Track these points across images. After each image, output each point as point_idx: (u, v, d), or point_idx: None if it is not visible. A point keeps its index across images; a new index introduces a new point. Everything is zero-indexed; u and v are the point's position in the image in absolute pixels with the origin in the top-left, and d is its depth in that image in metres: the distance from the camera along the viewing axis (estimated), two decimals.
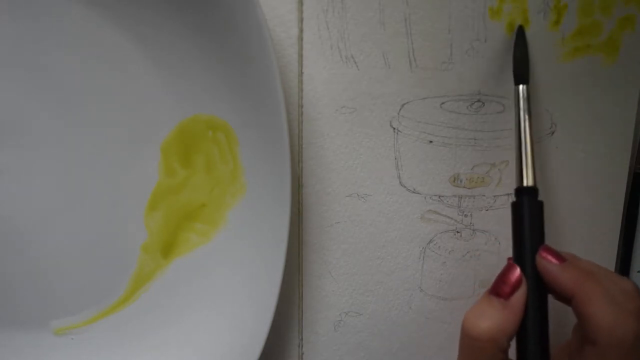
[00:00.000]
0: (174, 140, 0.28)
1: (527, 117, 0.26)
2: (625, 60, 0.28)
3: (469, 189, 0.30)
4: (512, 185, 0.30)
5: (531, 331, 0.24)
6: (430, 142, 0.29)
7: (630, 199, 0.31)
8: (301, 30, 0.28)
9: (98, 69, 0.27)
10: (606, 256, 0.31)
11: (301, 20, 0.27)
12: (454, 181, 0.30)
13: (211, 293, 0.30)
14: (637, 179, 0.31)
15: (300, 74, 0.28)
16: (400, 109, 0.29)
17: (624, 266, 0.32)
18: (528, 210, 0.25)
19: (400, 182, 0.30)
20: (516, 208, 0.26)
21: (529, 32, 0.28)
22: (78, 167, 0.28)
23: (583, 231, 0.31)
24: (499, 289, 0.24)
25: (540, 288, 0.24)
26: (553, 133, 0.29)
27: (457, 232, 0.30)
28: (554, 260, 0.24)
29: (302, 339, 0.31)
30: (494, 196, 0.30)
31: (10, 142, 0.28)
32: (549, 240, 0.31)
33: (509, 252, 0.30)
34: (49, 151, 0.28)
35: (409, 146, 0.29)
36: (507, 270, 0.25)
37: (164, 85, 0.28)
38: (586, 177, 0.30)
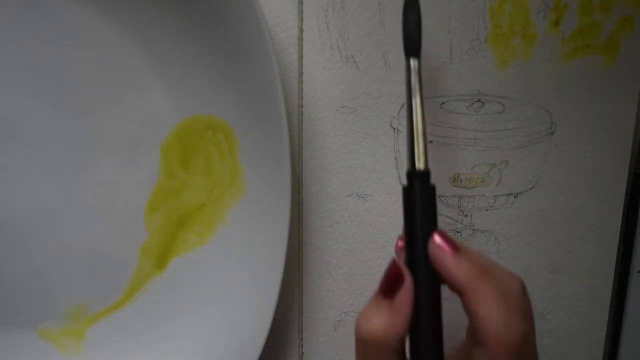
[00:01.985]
0: (174, 140, 0.28)
1: (417, 93, 0.24)
2: (625, 60, 0.28)
3: (469, 189, 0.30)
4: (512, 186, 0.30)
5: (423, 328, 0.22)
6: (430, 142, 0.29)
7: (630, 199, 0.31)
8: (301, 30, 0.28)
9: (98, 69, 0.27)
10: (606, 256, 0.31)
11: (301, 20, 0.27)
12: (454, 181, 0.30)
13: (211, 293, 0.30)
14: (637, 179, 0.31)
15: (300, 74, 0.28)
16: (400, 109, 0.29)
17: (624, 266, 0.32)
18: (420, 196, 0.23)
19: (400, 182, 0.30)
20: (407, 193, 0.23)
21: (530, 33, 0.28)
22: (78, 167, 0.28)
23: (583, 231, 0.31)
24: (384, 288, 0.23)
25: (432, 279, 0.23)
26: (553, 133, 0.29)
27: (457, 232, 0.30)
28: (447, 249, 0.22)
29: (302, 339, 0.31)
30: (494, 196, 0.30)
31: (10, 142, 0.28)
32: (548, 240, 0.31)
33: (509, 252, 0.31)
34: (48, 151, 0.28)
35: None
36: (389, 268, 0.23)
37: (164, 85, 0.28)
38: (586, 177, 0.30)
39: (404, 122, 0.29)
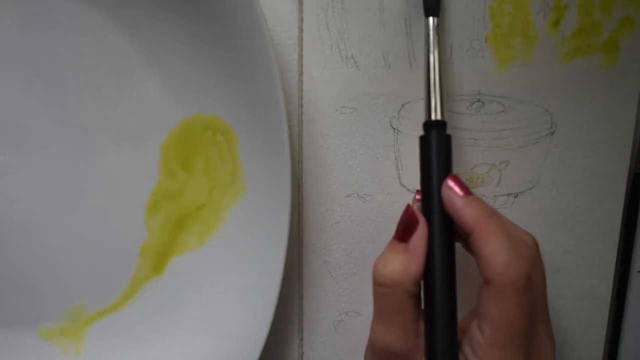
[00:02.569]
0: (174, 140, 0.28)
1: (436, 50, 0.25)
2: (625, 60, 0.28)
3: None
4: (512, 186, 0.30)
5: (438, 271, 0.23)
6: None
7: (630, 199, 0.31)
8: (301, 30, 0.28)
9: (98, 69, 0.27)
10: (606, 256, 0.31)
11: (301, 20, 0.27)
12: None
13: (210, 293, 0.30)
14: (637, 179, 0.31)
15: (300, 74, 0.28)
16: (400, 109, 0.29)
17: (624, 266, 0.32)
18: (436, 144, 0.24)
19: (400, 182, 0.30)
20: (424, 142, 0.25)
21: (530, 33, 0.28)
22: (78, 167, 0.28)
23: (583, 231, 0.31)
24: (400, 234, 0.24)
25: (447, 225, 0.24)
26: (553, 133, 0.29)
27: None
28: (459, 191, 0.23)
29: (302, 339, 0.31)
30: (494, 196, 0.30)
31: (10, 142, 0.28)
32: (548, 240, 0.31)
33: None
34: (48, 151, 0.28)
35: (409, 146, 0.29)
36: (404, 213, 0.24)
37: (164, 85, 0.28)
38: (586, 177, 0.30)
39: (404, 122, 0.29)
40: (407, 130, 0.29)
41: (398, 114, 0.29)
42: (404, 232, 0.24)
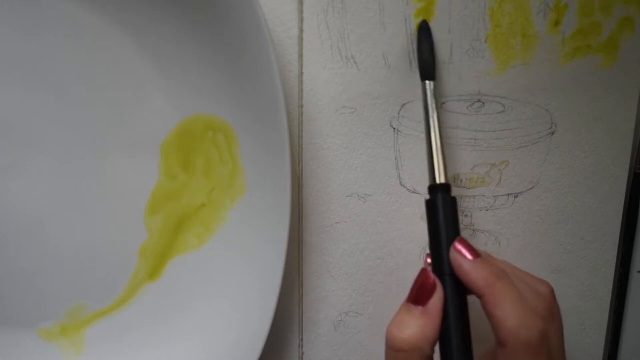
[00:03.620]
0: (174, 140, 0.28)
1: (434, 113, 0.26)
2: (625, 60, 0.28)
3: (469, 189, 0.30)
4: (512, 186, 0.30)
5: (453, 332, 0.24)
6: None
7: (630, 199, 0.31)
8: (301, 30, 0.28)
9: (98, 69, 0.27)
10: (606, 256, 0.31)
11: (301, 20, 0.27)
12: (454, 181, 0.30)
13: (210, 293, 0.30)
14: (637, 179, 0.31)
15: (300, 74, 0.28)
16: (400, 109, 0.29)
17: (624, 266, 0.32)
18: (442, 207, 0.25)
19: (400, 182, 0.30)
20: (430, 205, 0.25)
21: (530, 33, 0.28)
22: (78, 167, 0.28)
23: (583, 231, 0.31)
24: (415, 297, 0.24)
25: (458, 286, 0.24)
26: (553, 133, 0.29)
27: None
28: (467, 255, 0.24)
29: (302, 339, 0.31)
30: (494, 196, 0.30)
31: (10, 142, 0.28)
32: (548, 240, 0.31)
33: (509, 252, 0.31)
34: (49, 152, 0.28)
35: (409, 146, 0.29)
36: (421, 276, 0.24)
37: (164, 85, 0.28)
38: (586, 177, 0.30)
39: (404, 122, 0.29)
40: (407, 130, 0.29)
41: (398, 114, 0.29)
42: (420, 295, 0.24)
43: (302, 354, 0.32)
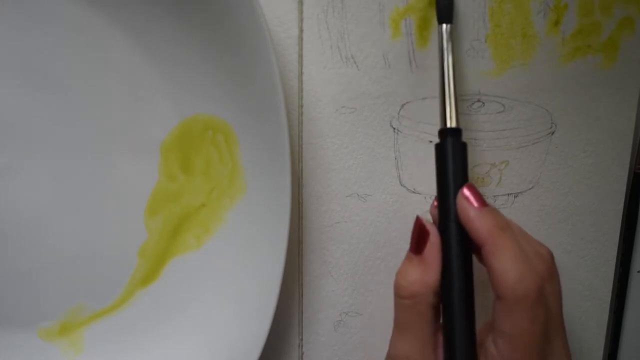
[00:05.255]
0: (174, 140, 0.28)
1: (450, 57, 0.25)
2: (625, 60, 0.29)
3: None
4: (512, 186, 0.30)
5: (455, 280, 0.23)
6: (430, 142, 0.29)
7: (630, 199, 0.31)
8: (301, 30, 0.28)
9: (98, 69, 0.27)
10: (606, 256, 0.31)
11: (301, 20, 0.27)
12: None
13: (210, 293, 0.30)
14: (637, 179, 0.31)
15: (300, 74, 0.28)
16: (400, 109, 0.29)
17: (624, 266, 0.32)
18: (452, 152, 0.24)
19: (400, 182, 0.30)
20: (440, 149, 0.25)
21: (530, 33, 0.28)
22: (78, 167, 0.28)
23: (583, 231, 0.31)
24: (414, 246, 0.24)
25: (463, 234, 0.24)
26: (553, 133, 0.29)
27: None
28: (474, 202, 0.23)
29: (302, 339, 0.31)
30: (494, 196, 0.30)
31: (9, 142, 0.28)
32: (548, 240, 0.31)
33: None
34: (48, 151, 0.28)
35: (409, 146, 0.29)
36: (415, 225, 0.25)
37: (164, 85, 0.28)
38: (586, 177, 0.30)
39: (404, 122, 0.29)
40: (407, 130, 0.29)
41: (398, 114, 0.29)
42: (417, 243, 0.24)
43: (302, 354, 0.32)
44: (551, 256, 0.24)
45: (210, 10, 0.25)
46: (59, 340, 0.30)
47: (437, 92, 0.28)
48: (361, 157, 0.29)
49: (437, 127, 0.28)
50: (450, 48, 0.26)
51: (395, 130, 0.29)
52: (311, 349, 0.32)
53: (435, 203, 0.26)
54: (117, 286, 0.30)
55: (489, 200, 0.30)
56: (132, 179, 0.29)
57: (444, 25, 0.26)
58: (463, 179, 0.24)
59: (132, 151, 0.28)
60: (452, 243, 0.24)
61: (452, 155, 0.24)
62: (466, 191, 0.24)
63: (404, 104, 0.29)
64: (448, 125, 0.25)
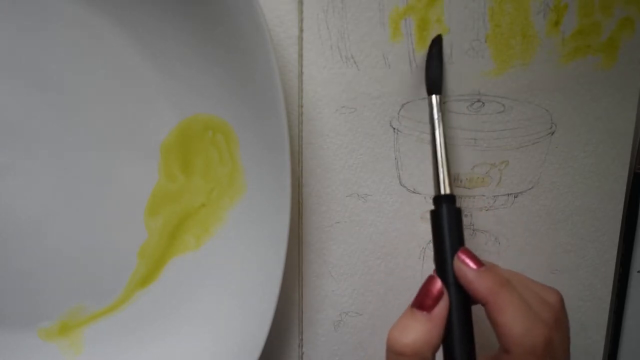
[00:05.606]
0: (174, 140, 0.28)
1: (440, 126, 0.26)
2: (625, 60, 0.28)
3: (469, 189, 0.30)
4: (512, 186, 0.30)
5: (457, 341, 0.24)
6: None
7: (630, 199, 0.31)
8: (301, 30, 0.28)
9: (98, 69, 0.27)
10: (606, 256, 0.31)
11: (301, 20, 0.27)
12: (454, 181, 0.30)
13: (210, 294, 0.30)
14: (637, 179, 0.31)
15: (300, 74, 0.28)
16: (400, 109, 0.29)
17: (624, 266, 0.32)
18: (447, 218, 0.25)
19: (400, 182, 0.30)
20: (435, 216, 0.26)
21: (530, 33, 0.28)
22: (78, 167, 0.28)
23: (583, 231, 0.31)
24: (421, 302, 0.24)
25: (463, 296, 0.24)
26: (553, 133, 0.29)
27: None
28: (471, 264, 0.24)
29: (302, 339, 0.31)
30: (494, 196, 0.30)
31: (10, 142, 0.28)
32: (548, 240, 0.31)
33: (509, 252, 0.31)
34: (48, 151, 0.28)
35: (409, 146, 0.29)
36: (428, 283, 0.25)
37: (164, 85, 0.28)
38: (586, 177, 0.30)
39: (404, 122, 0.29)
40: (407, 130, 0.29)
41: (398, 114, 0.29)
42: (427, 301, 0.24)
43: (302, 354, 0.32)
44: (559, 300, 0.24)
45: (210, 10, 0.25)
46: (59, 340, 0.30)
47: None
48: (361, 157, 0.29)
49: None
50: (441, 118, 0.27)
51: (395, 130, 0.29)
52: (311, 349, 0.32)
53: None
54: (117, 286, 0.30)
55: (489, 201, 0.30)
56: (132, 179, 0.29)
57: (434, 97, 0.27)
58: (459, 243, 0.25)
59: (132, 151, 0.28)
60: (453, 305, 0.24)
61: (448, 222, 0.25)
62: (462, 255, 0.24)
63: (404, 104, 0.29)
64: (442, 192, 0.26)
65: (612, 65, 0.29)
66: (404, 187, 0.30)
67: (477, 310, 0.25)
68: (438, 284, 0.24)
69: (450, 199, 0.26)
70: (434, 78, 0.27)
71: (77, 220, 0.29)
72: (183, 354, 0.30)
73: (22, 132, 0.28)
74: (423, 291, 0.24)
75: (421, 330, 0.23)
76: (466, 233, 0.30)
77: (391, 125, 0.29)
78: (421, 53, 0.28)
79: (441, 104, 0.27)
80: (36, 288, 0.30)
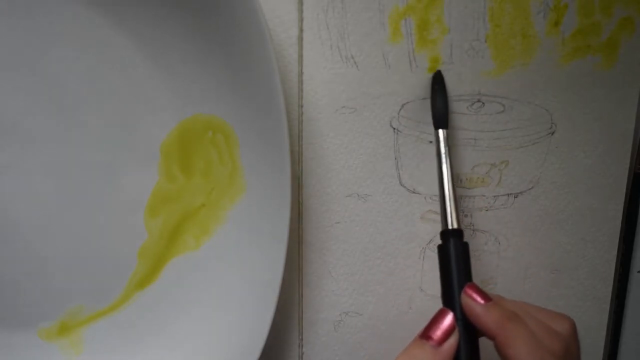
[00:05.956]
0: (174, 140, 0.28)
1: (447, 161, 0.26)
2: (625, 60, 0.28)
3: (469, 189, 0.30)
4: (512, 186, 0.30)
5: None
6: (430, 142, 0.29)
7: (630, 199, 0.31)
8: (301, 30, 0.28)
9: (98, 69, 0.27)
10: (606, 256, 0.31)
11: (301, 20, 0.27)
12: (456, 182, 0.30)
13: (210, 293, 0.30)
14: (637, 179, 0.31)
15: (300, 74, 0.28)
16: (400, 109, 0.29)
17: (624, 266, 0.32)
18: (455, 253, 0.25)
19: (400, 182, 0.30)
20: (443, 251, 0.26)
21: (530, 33, 0.28)
22: (78, 167, 0.28)
23: (583, 231, 0.31)
24: (432, 334, 0.24)
25: (470, 330, 0.24)
26: (553, 133, 0.29)
27: None
28: (478, 299, 0.24)
29: (302, 339, 0.31)
30: (494, 196, 0.30)
31: (10, 142, 0.28)
32: (548, 240, 0.31)
33: (508, 252, 0.31)
34: (48, 151, 0.28)
35: (409, 146, 0.29)
36: (440, 316, 0.25)
37: (163, 85, 0.28)
38: (586, 177, 0.30)
39: (404, 122, 0.29)
40: (407, 130, 0.29)
41: (398, 114, 0.29)
42: (438, 334, 0.24)
43: (302, 354, 0.32)
44: (569, 327, 0.24)
45: (210, 11, 0.25)
46: (59, 340, 0.30)
47: None
48: (361, 157, 0.29)
49: None
50: (448, 152, 0.26)
51: (395, 130, 0.29)
52: (311, 349, 0.32)
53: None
54: (116, 286, 0.30)
55: (489, 201, 0.30)
56: (132, 179, 0.29)
57: (440, 131, 0.27)
58: (467, 277, 0.25)
59: (132, 151, 0.28)
60: (461, 340, 0.24)
61: (455, 257, 0.25)
62: (469, 290, 0.24)
63: (404, 104, 0.29)
64: (449, 226, 0.26)
65: (612, 65, 0.29)
66: (404, 187, 0.30)
67: (486, 345, 0.25)
68: (450, 318, 0.24)
69: (458, 233, 0.26)
70: (440, 114, 0.27)
71: (76, 221, 0.29)
72: (183, 354, 0.30)
73: (22, 132, 0.28)
74: (434, 323, 0.24)
75: None
76: (466, 233, 0.30)
77: (391, 125, 0.29)
78: (421, 53, 0.28)
79: (447, 139, 0.27)
80: (36, 288, 0.30)
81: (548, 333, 0.24)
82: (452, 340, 0.24)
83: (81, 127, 0.28)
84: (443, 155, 0.27)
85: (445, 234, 0.26)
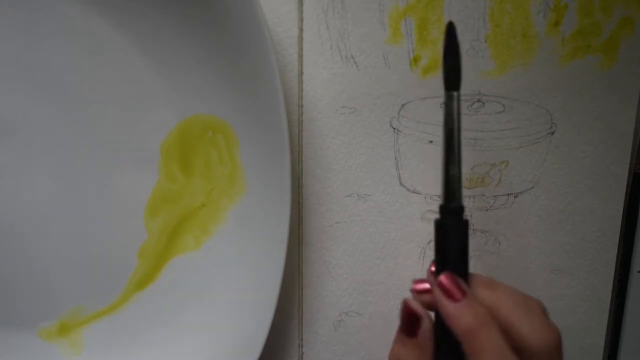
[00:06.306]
0: (174, 140, 0.28)
1: (459, 131, 0.23)
2: (625, 60, 0.28)
3: (469, 189, 0.30)
4: (512, 186, 0.30)
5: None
6: (430, 142, 0.29)
7: (630, 199, 0.31)
8: (301, 30, 0.28)
9: (98, 69, 0.27)
10: (606, 256, 0.31)
11: (301, 20, 0.27)
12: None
13: (210, 294, 0.30)
14: (637, 179, 0.31)
15: (300, 74, 0.28)
16: (400, 109, 0.29)
17: (624, 266, 0.32)
18: (452, 231, 0.23)
19: (400, 182, 0.30)
20: (439, 227, 0.24)
21: (530, 33, 0.28)
22: (78, 167, 0.28)
23: (583, 231, 0.31)
24: (405, 328, 0.24)
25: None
26: (553, 133, 0.29)
27: None
28: (453, 292, 0.22)
29: (302, 339, 0.31)
30: (494, 196, 0.30)
31: (10, 142, 0.28)
32: (548, 240, 0.31)
33: (508, 252, 0.31)
34: (48, 151, 0.28)
35: (409, 146, 0.29)
36: (404, 308, 0.24)
37: (163, 85, 0.28)
38: (586, 177, 0.30)
39: (404, 122, 0.29)
40: (407, 130, 0.29)
41: (398, 114, 0.29)
42: (410, 326, 0.24)
43: (302, 354, 0.32)
44: (553, 339, 0.23)
45: (211, 11, 0.25)
46: (59, 340, 0.30)
47: (437, 92, 0.28)
48: (361, 157, 0.29)
49: (438, 127, 0.28)
50: (459, 121, 0.23)
51: (395, 130, 0.29)
52: (311, 349, 0.32)
53: (432, 268, 0.24)
54: (116, 286, 0.30)
55: (489, 201, 0.30)
56: (132, 180, 0.29)
57: (453, 93, 0.23)
58: (463, 259, 0.23)
59: (132, 151, 0.28)
60: (437, 319, 0.23)
61: (452, 235, 0.23)
62: (443, 281, 0.23)
63: (404, 104, 0.29)
64: (449, 202, 0.23)
65: (612, 65, 0.29)
66: (404, 187, 0.30)
67: None
68: (412, 311, 0.24)
69: (459, 210, 0.23)
70: (452, 71, 0.23)
71: (76, 221, 0.29)
72: (183, 354, 0.30)
73: (22, 132, 0.28)
74: (402, 318, 0.24)
75: (414, 356, 0.23)
76: None
77: (391, 125, 0.29)
78: (421, 53, 0.28)
79: (459, 104, 0.23)
80: (36, 288, 0.30)
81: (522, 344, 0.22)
82: (425, 328, 0.23)
83: (81, 127, 0.28)
84: (455, 124, 0.23)
85: (444, 209, 0.23)
